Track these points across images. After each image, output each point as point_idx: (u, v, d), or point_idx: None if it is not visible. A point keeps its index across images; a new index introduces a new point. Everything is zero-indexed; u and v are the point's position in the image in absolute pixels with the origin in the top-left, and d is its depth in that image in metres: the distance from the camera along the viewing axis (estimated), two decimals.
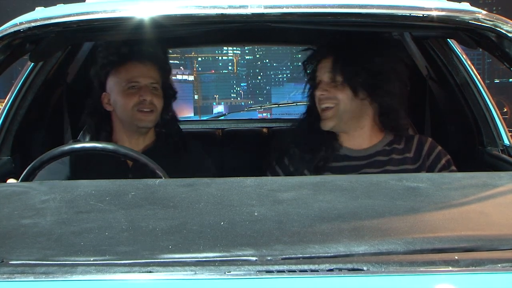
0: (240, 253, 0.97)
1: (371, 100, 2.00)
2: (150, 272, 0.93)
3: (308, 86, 2.11)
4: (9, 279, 0.92)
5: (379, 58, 1.99)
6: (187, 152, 2.20)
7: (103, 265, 0.94)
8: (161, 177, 1.65)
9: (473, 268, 0.94)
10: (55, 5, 1.84)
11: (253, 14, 1.54)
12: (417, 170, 2.00)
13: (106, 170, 1.94)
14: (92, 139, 2.23)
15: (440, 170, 2.00)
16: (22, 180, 1.63)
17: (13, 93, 2.38)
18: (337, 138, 2.07)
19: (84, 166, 2.05)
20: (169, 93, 2.22)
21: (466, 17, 1.59)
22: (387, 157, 2.03)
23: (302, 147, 2.08)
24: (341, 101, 1.99)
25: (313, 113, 2.07)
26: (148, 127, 2.13)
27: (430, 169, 2.00)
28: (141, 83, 2.09)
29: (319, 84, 2.03)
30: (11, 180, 1.77)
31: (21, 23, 1.58)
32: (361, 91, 1.98)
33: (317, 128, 2.05)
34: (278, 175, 2.11)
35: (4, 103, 2.40)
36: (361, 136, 2.05)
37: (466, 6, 1.70)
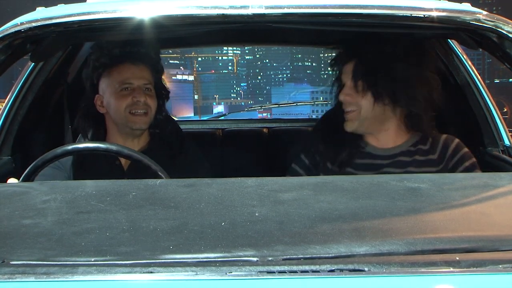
0: (241, 253, 0.97)
1: (394, 105, 2.00)
2: (151, 272, 0.93)
3: (335, 85, 2.11)
4: (10, 280, 0.92)
5: (401, 64, 1.97)
6: (184, 154, 2.20)
7: (104, 265, 0.94)
8: (159, 175, 1.65)
9: (474, 269, 0.94)
10: (56, 5, 1.84)
11: (254, 15, 1.54)
12: (440, 172, 1.99)
13: (100, 176, 1.94)
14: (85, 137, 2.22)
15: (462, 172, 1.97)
16: (23, 179, 1.63)
17: (13, 93, 2.38)
18: (362, 136, 2.07)
19: (78, 173, 2.05)
20: (161, 94, 2.22)
21: (467, 17, 1.59)
22: (411, 158, 2.02)
23: (327, 143, 2.08)
24: (363, 107, 1.99)
25: (339, 112, 2.07)
26: (142, 129, 2.12)
27: (453, 171, 1.98)
28: (134, 84, 2.09)
29: (343, 87, 2.03)
30: (11, 180, 1.76)
31: (21, 23, 1.58)
32: (383, 97, 1.98)
33: (342, 126, 2.05)
34: (298, 173, 2.11)
35: (5, 103, 2.40)
36: (386, 136, 2.05)
37: (466, 6, 1.70)
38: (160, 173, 1.65)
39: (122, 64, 2.10)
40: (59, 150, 1.70)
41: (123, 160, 2.09)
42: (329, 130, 2.11)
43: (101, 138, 2.15)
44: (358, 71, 1.98)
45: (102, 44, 2.15)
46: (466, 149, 2.03)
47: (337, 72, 2.08)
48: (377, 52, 1.98)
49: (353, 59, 2.01)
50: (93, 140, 2.15)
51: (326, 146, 2.08)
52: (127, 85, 2.08)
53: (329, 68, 2.21)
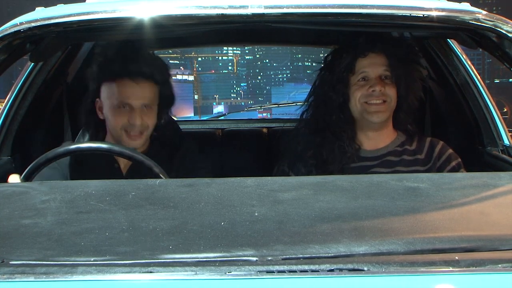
0: (240, 253, 0.97)
1: (399, 97, 2.02)
2: (151, 272, 0.93)
3: (340, 75, 2.02)
4: (10, 279, 0.92)
5: (414, 58, 2.03)
6: (182, 153, 2.15)
7: (103, 265, 0.94)
8: (160, 177, 1.65)
9: (474, 268, 0.94)
10: (55, 5, 1.84)
11: (254, 14, 1.54)
12: (428, 171, 2.00)
13: (98, 179, 1.92)
14: (85, 136, 2.20)
15: (449, 172, 1.99)
16: (24, 177, 1.63)
17: (13, 93, 2.38)
18: (356, 135, 2.06)
19: (75, 176, 2.00)
20: (166, 102, 2.13)
21: (466, 17, 1.59)
22: (398, 157, 2.04)
23: (318, 144, 2.04)
24: (393, 98, 1.99)
25: (345, 109, 2.02)
26: (137, 147, 2.02)
27: (439, 171, 2.00)
28: (132, 104, 1.99)
29: (367, 80, 1.99)
30: (13, 176, 1.72)
31: (21, 23, 1.58)
32: (401, 90, 2.00)
33: (343, 127, 2.03)
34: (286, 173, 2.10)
35: (4, 103, 2.40)
36: (379, 136, 2.06)
37: (466, 6, 1.70)
38: (161, 175, 1.65)
39: (122, 79, 1.99)
40: (61, 149, 1.70)
41: (122, 164, 2.06)
42: (320, 128, 2.06)
43: (100, 139, 2.10)
44: (393, 62, 1.97)
45: (109, 50, 2.07)
46: (451, 150, 2.05)
47: (348, 63, 2.01)
48: (402, 46, 2.02)
49: (382, 51, 1.99)
50: (91, 138, 2.14)
51: (316, 146, 2.04)
52: (125, 103, 1.99)
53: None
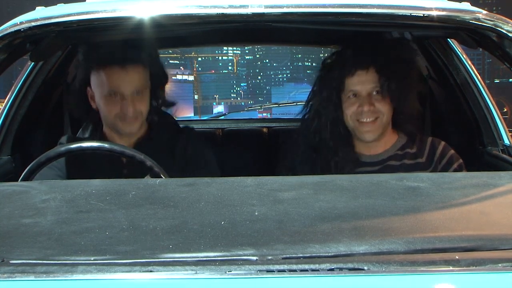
0: (240, 252, 0.97)
1: (396, 106, 1.99)
2: (151, 271, 0.93)
3: (330, 93, 2.00)
4: (10, 279, 0.92)
5: (406, 65, 1.99)
6: (186, 142, 2.11)
7: (103, 264, 0.94)
8: (161, 176, 1.65)
9: (474, 267, 0.94)
10: (55, 4, 1.84)
11: (254, 14, 1.54)
12: None
13: (100, 166, 1.92)
14: (85, 133, 2.19)
15: None
16: (23, 178, 1.63)
17: (13, 93, 2.38)
18: (352, 144, 2.04)
19: (78, 161, 1.99)
20: (158, 82, 2.09)
21: (467, 17, 1.59)
22: (399, 162, 2.02)
23: (316, 153, 2.02)
24: (385, 114, 1.96)
25: (338, 123, 2.00)
26: (133, 132, 2.03)
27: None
28: (123, 92, 1.96)
29: (357, 96, 1.96)
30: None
31: (21, 23, 1.58)
32: (396, 99, 1.97)
33: (337, 143, 2.00)
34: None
35: (4, 103, 2.40)
36: (378, 143, 2.03)
37: (466, 6, 1.70)
38: (161, 175, 1.64)
39: (110, 66, 1.97)
40: (63, 148, 1.70)
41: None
42: (316, 139, 2.04)
43: (99, 130, 2.10)
44: (382, 78, 1.93)
45: (90, 46, 2.05)
46: (452, 151, 2.03)
47: (338, 78, 1.99)
48: (392, 57, 1.97)
49: (371, 66, 1.95)
50: (92, 134, 2.13)
51: (313, 155, 2.03)
52: (116, 91, 1.97)
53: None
